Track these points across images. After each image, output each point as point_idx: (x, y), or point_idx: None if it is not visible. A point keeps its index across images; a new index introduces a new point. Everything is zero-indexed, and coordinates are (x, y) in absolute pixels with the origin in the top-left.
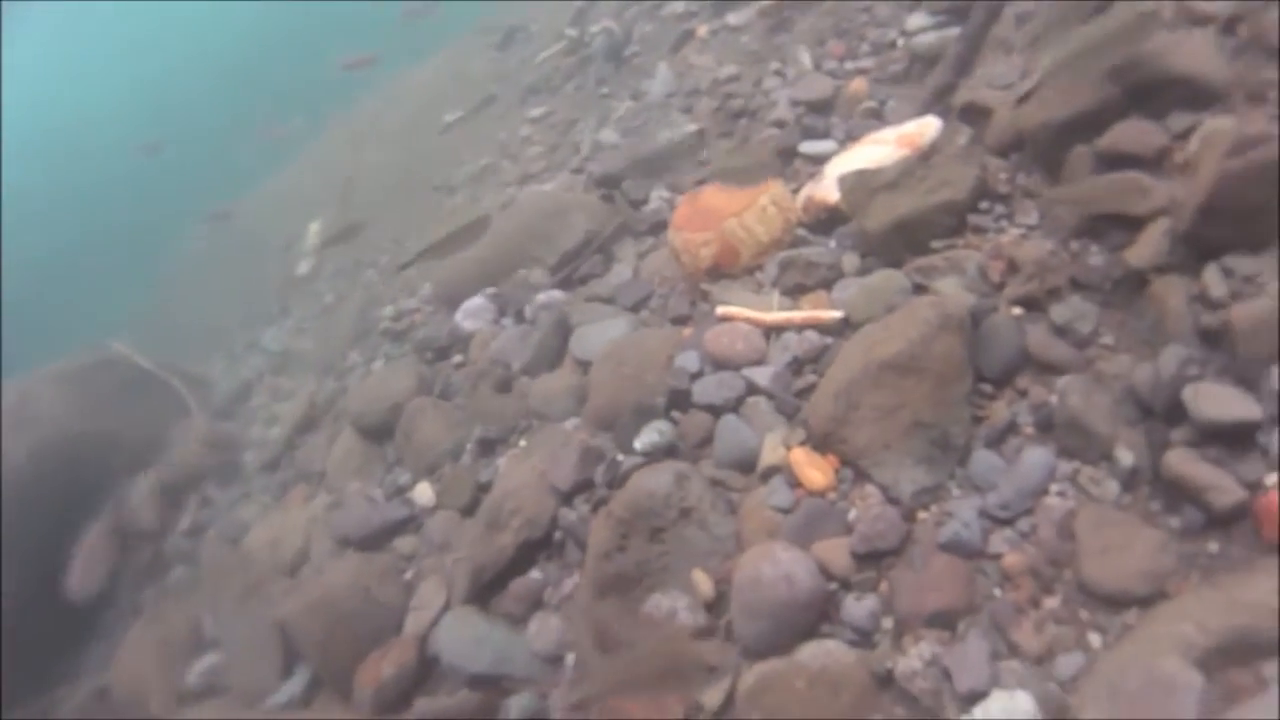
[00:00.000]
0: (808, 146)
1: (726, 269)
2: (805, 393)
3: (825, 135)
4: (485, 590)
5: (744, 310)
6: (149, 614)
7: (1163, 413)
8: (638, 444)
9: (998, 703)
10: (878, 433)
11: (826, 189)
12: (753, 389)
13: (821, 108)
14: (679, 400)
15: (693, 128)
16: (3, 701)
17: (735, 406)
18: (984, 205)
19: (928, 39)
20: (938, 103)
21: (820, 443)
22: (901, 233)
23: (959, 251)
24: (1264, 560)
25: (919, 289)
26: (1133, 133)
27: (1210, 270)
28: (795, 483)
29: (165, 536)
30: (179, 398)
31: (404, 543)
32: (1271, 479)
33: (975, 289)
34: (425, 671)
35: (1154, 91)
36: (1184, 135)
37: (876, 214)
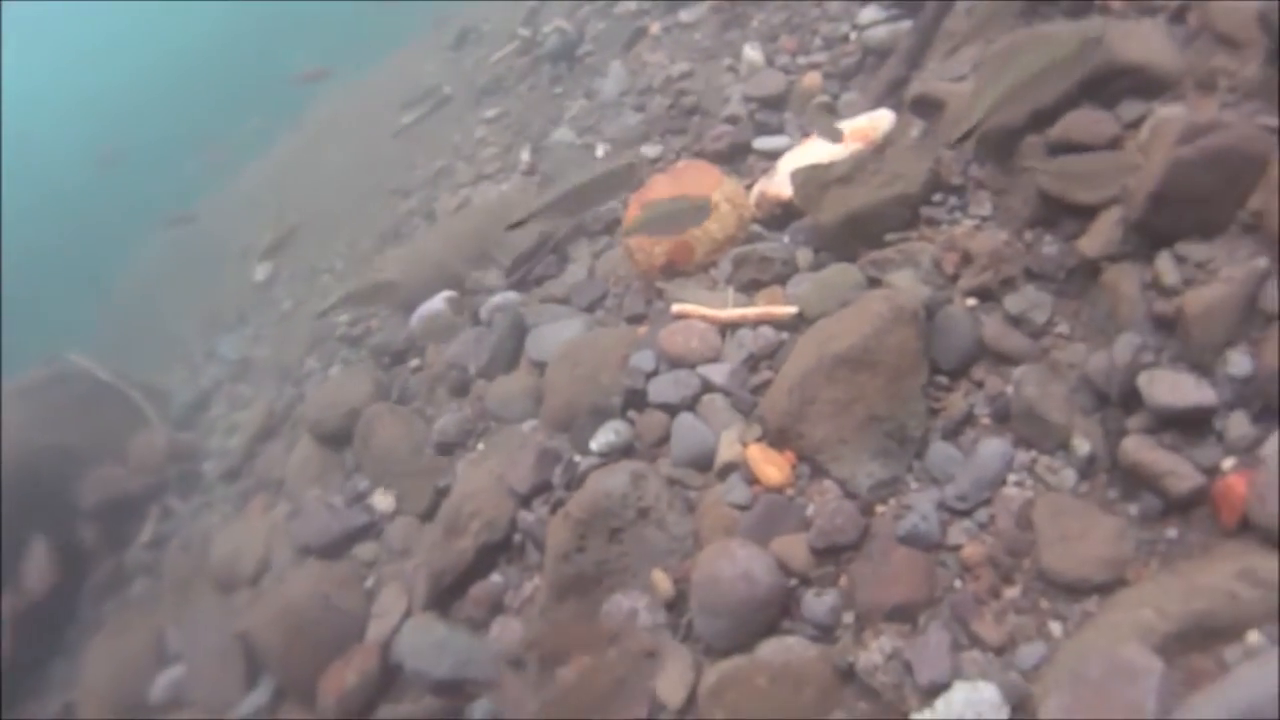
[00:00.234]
0: (761, 142)
1: (681, 267)
2: (761, 389)
3: (779, 131)
4: (446, 595)
5: (699, 308)
6: (111, 628)
7: (1118, 400)
8: (594, 445)
9: (960, 694)
10: (834, 427)
11: (780, 184)
12: (708, 387)
13: (774, 103)
14: (635, 400)
15: (625, 162)
16: None
17: (691, 405)
18: (937, 197)
19: (880, 32)
20: (890, 96)
21: (777, 439)
22: (855, 226)
23: (913, 244)
24: (1222, 545)
25: (873, 282)
26: (1084, 122)
27: (1163, 257)
28: (752, 479)
29: (126, 549)
30: (138, 409)
31: (364, 549)
32: (1228, 463)
33: (929, 281)
34: (388, 678)
35: (1105, 81)
36: (1135, 124)
37: (829, 208)
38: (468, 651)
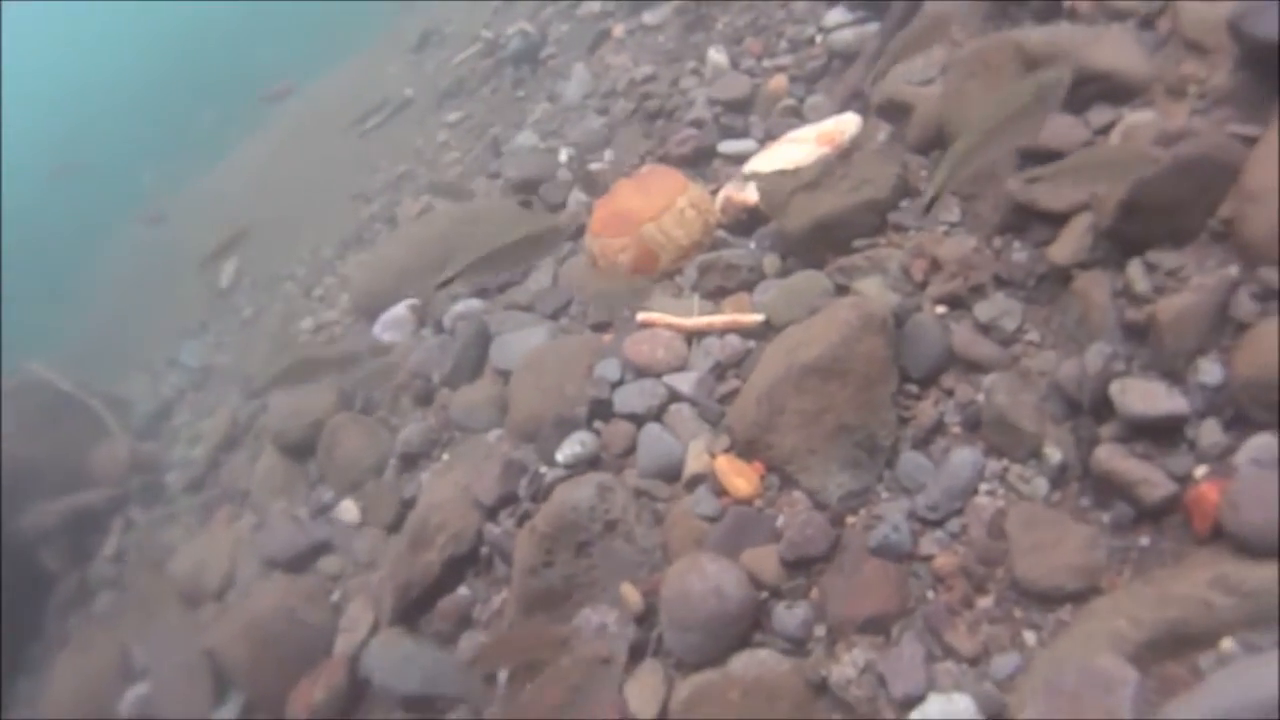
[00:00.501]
0: (726, 146)
1: (646, 274)
2: (728, 398)
3: (744, 134)
4: (413, 609)
5: (664, 316)
6: (77, 643)
7: (1090, 409)
8: (560, 456)
9: (935, 706)
10: (803, 438)
11: (745, 190)
12: (675, 396)
13: (740, 106)
14: (600, 410)
15: (548, 224)
16: None
17: (658, 415)
18: (905, 203)
19: (846, 35)
20: (857, 99)
21: (745, 449)
22: (822, 233)
23: (881, 250)
24: (1195, 552)
25: (841, 289)
26: (1055, 128)
27: (1134, 265)
28: (721, 491)
29: (89, 562)
30: (99, 419)
31: (330, 562)
32: (1200, 471)
33: (898, 288)
34: (357, 693)
35: (1075, 86)
36: (1105, 130)
37: (796, 214)
38: (436, 666)
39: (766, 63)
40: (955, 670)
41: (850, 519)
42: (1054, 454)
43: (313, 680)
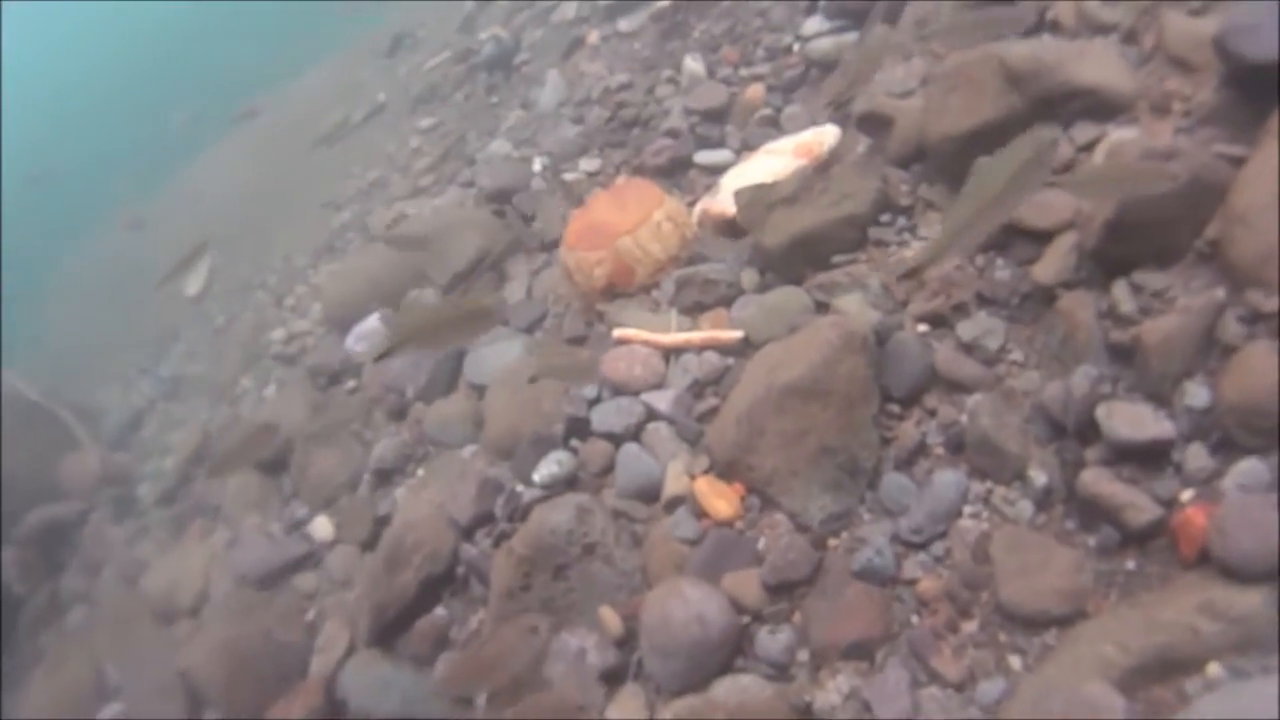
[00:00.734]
0: (703, 156)
1: (622, 288)
2: (707, 416)
3: (720, 144)
4: (389, 630)
5: (641, 332)
6: (50, 661)
7: (1075, 431)
8: (536, 476)
9: None
10: (784, 459)
11: (723, 202)
12: (653, 414)
13: (716, 116)
14: (577, 428)
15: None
16: None
17: (636, 434)
18: (885, 218)
19: (824, 44)
20: (836, 110)
21: (725, 470)
22: (801, 248)
23: (861, 266)
24: (1181, 577)
25: (821, 306)
26: None
27: (1119, 286)
28: (701, 513)
29: (61, 575)
30: (69, 430)
31: (304, 580)
32: (1187, 495)
33: (879, 305)
34: (335, 714)
35: (1057, 102)
36: (1089, 147)
37: (775, 230)
38: (414, 689)
39: (743, 71)
40: (940, 696)
41: (832, 541)
42: (1039, 476)
43: (289, 701)
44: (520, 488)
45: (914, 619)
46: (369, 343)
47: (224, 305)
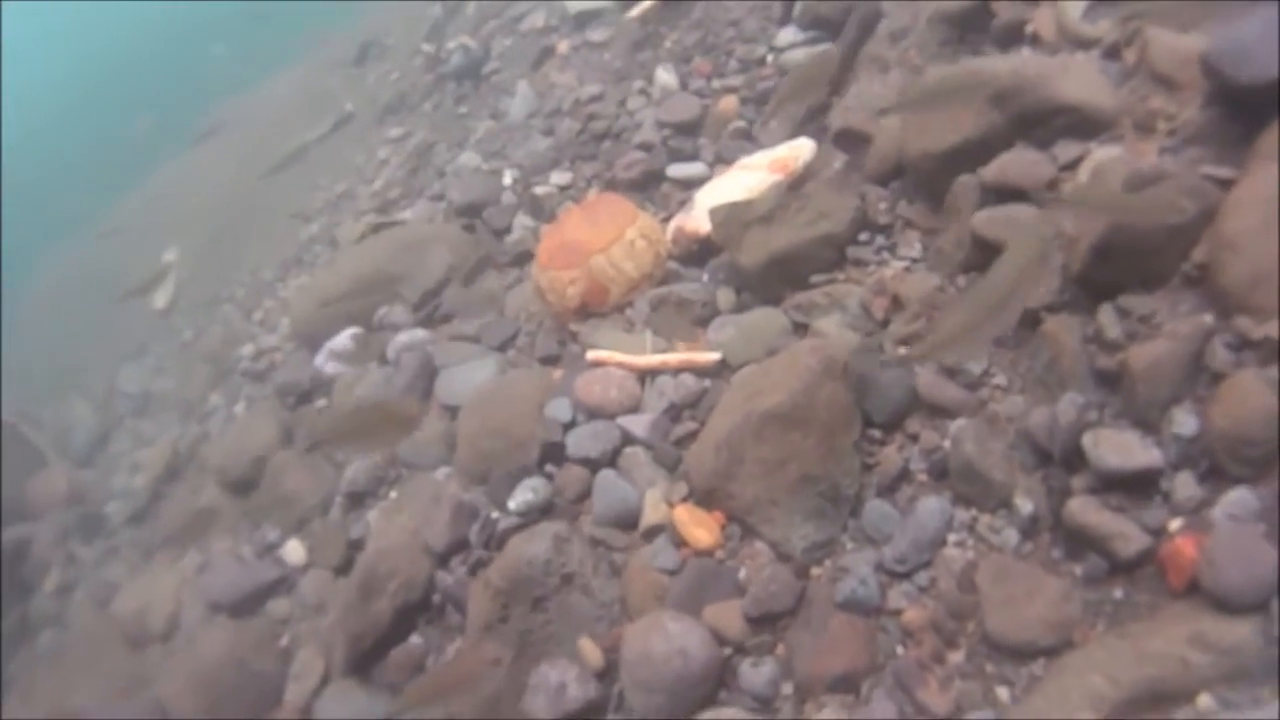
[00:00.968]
0: (675, 170)
1: (596, 308)
2: (685, 440)
3: (694, 157)
4: (365, 659)
5: (615, 354)
6: (21, 689)
7: (1061, 459)
8: (512, 504)
9: None
10: (764, 488)
11: (697, 219)
12: (629, 439)
13: (689, 129)
14: (552, 453)
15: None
16: None
17: (612, 459)
18: (864, 237)
19: (798, 55)
20: (811, 123)
21: (704, 498)
22: (779, 268)
23: (839, 286)
24: (1170, 606)
25: (799, 328)
26: (1020, 163)
27: (1105, 310)
28: (680, 542)
29: (30, 597)
30: (34, 448)
31: (277, 605)
32: (1175, 524)
33: (858, 327)
34: None
35: (1039, 119)
36: (1072, 165)
37: (751, 249)
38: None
39: (716, 83)
40: None
41: (815, 571)
42: (1024, 505)
43: None
44: (495, 514)
45: (899, 650)
46: (340, 362)
47: (192, 319)
